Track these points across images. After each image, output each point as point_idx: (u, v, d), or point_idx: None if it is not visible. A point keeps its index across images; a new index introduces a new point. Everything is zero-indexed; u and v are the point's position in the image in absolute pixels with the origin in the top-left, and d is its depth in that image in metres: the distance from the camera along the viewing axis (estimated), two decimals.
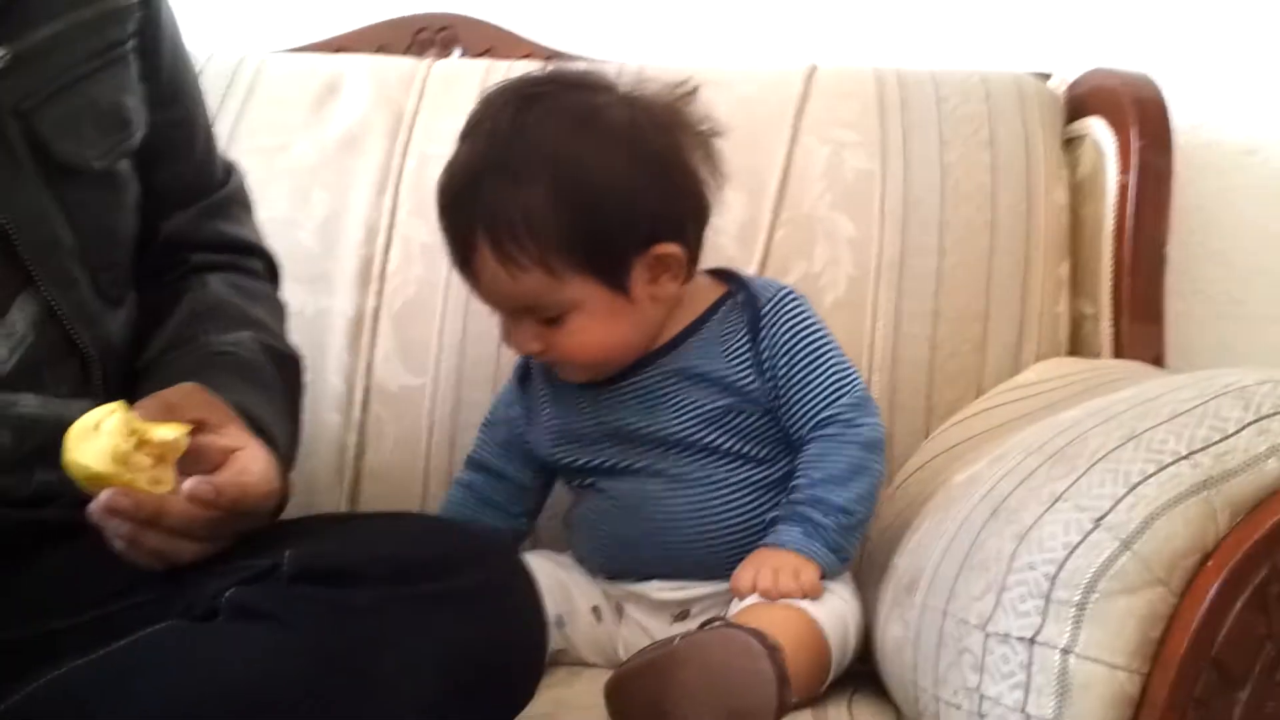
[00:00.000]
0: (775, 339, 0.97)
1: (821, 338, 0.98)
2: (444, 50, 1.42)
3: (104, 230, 0.86)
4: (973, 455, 0.95)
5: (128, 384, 0.85)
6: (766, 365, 0.96)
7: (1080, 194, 1.25)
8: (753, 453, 0.97)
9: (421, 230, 1.19)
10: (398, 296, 1.18)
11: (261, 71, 1.29)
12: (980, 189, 1.19)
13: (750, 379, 0.96)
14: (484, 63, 1.32)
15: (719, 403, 0.96)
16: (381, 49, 1.39)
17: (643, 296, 0.94)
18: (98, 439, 0.71)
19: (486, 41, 1.41)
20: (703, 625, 0.87)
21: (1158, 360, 1.17)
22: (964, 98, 1.24)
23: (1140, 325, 1.19)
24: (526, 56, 1.37)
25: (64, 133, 0.82)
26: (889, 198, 1.19)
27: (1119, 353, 1.18)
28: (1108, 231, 1.22)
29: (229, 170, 1.00)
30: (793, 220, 1.18)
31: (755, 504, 0.97)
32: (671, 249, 0.94)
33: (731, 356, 0.97)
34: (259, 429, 0.81)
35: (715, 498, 0.97)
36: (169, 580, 0.74)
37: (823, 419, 0.96)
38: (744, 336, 0.97)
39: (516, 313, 0.95)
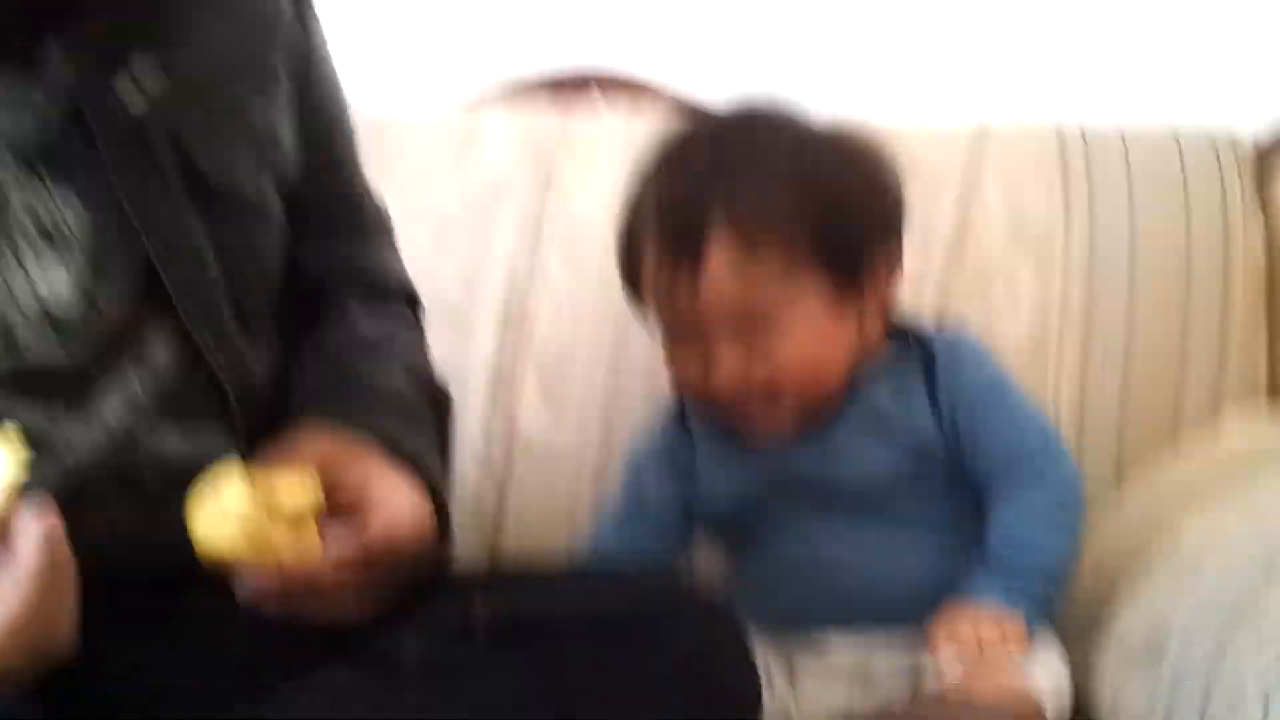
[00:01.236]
0: (954, 384, 0.89)
1: (1002, 381, 0.91)
2: (585, 104, 1.37)
3: (251, 261, 0.81)
4: (1198, 505, 0.84)
5: (272, 424, 0.79)
6: (945, 413, 0.88)
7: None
8: (935, 511, 0.89)
9: (566, 280, 1.13)
10: (540, 346, 1.11)
11: (398, 127, 1.25)
12: (1175, 250, 1.10)
13: (929, 427, 0.88)
14: (626, 118, 1.26)
15: (900, 453, 0.88)
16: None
17: (871, 298, 0.88)
18: (225, 518, 0.64)
19: (627, 95, 1.37)
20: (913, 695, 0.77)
21: None
22: (1154, 156, 1.15)
23: None
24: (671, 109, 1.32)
25: (219, 158, 0.77)
26: (1073, 249, 1.10)
27: None
28: None
29: (376, 206, 0.95)
30: (969, 271, 1.10)
31: (939, 564, 0.87)
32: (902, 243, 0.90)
33: (909, 403, 0.89)
34: (415, 465, 0.74)
35: (896, 561, 0.88)
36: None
37: (1012, 467, 0.87)
38: (919, 382, 0.89)
39: (726, 327, 0.85)
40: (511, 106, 1.33)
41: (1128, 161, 1.15)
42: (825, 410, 0.89)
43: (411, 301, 0.95)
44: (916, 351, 0.91)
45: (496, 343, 1.11)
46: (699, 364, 0.87)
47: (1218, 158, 1.16)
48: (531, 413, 1.08)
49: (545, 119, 1.26)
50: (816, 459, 0.89)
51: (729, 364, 0.85)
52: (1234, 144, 1.18)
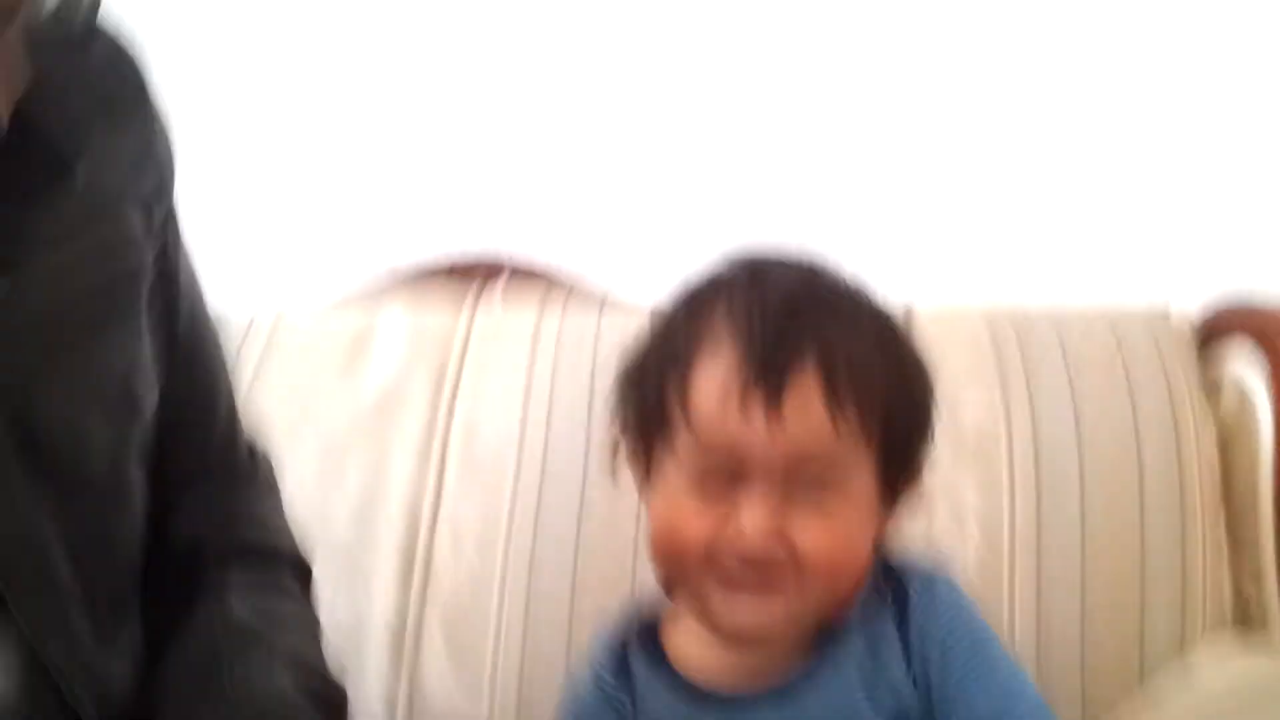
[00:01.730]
0: (929, 633, 0.78)
1: (984, 633, 0.80)
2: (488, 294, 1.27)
3: (105, 548, 0.68)
4: None
5: None
6: (918, 666, 0.78)
7: (1225, 441, 1.09)
8: None
9: (471, 511, 1.02)
10: (446, 596, 0.99)
11: (280, 326, 1.14)
12: (1125, 455, 1.03)
13: (904, 685, 0.77)
14: (533, 312, 1.16)
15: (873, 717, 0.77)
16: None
17: (890, 510, 0.79)
18: None
19: (535, 285, 1.27)
20: None
21: None
22: (1088, 338, 1.08)
23: None
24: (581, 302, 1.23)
25: (62, 422, 0.65)
26: (1018, 460, 1.02)
27: None
28: (1265, 485, 1.05)
29: (252, 452, 0.83)
30: None
31: None
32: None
33: (882, 654, 0.78)
34: None
35: None
36: None
37: None
38: (891, 626, 0.79)
39: (778, 472, 0.75)
40: (407, 297, 1.23)
41: (1063, 350, 1.08)
42: (816, 639, 0.79)
43: (301, 572, 0.82)
44: (887, 589, 0.81)
45: (396, 594, 0.99)
46: (717, 518, 0.76)
47: (1158, 344, 1.10)
48: (439, 680, 0.96)
49: (443, 314, 1.16)
50: (776, 717, 0.78)
51: (763, 516, 0.75)
52: (1169, 325, 1.12)
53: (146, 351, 0.71)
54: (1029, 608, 0.98)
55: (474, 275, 1.27)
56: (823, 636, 0.78)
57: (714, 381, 0.76)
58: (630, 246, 1.32)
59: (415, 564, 1.01)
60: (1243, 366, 1.09)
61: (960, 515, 1.00)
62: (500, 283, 1.26)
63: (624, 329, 1.08)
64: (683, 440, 0.77)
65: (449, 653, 0.97)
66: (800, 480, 0.75)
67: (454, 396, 1.09)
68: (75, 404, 0.66)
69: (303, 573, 0.82)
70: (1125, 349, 1.08)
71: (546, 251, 1.27)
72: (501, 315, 1.19)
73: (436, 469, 1.05)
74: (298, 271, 1.33)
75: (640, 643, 0.82)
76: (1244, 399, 1.09)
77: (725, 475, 0.75)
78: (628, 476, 0.81)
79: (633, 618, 0.84)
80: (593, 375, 1.07)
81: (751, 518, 0.74)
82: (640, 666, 0.82)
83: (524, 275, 1.24)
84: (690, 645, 0.81)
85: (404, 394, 1.09)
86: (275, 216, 1.40)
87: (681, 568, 0.77)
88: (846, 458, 0.76)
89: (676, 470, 0.77)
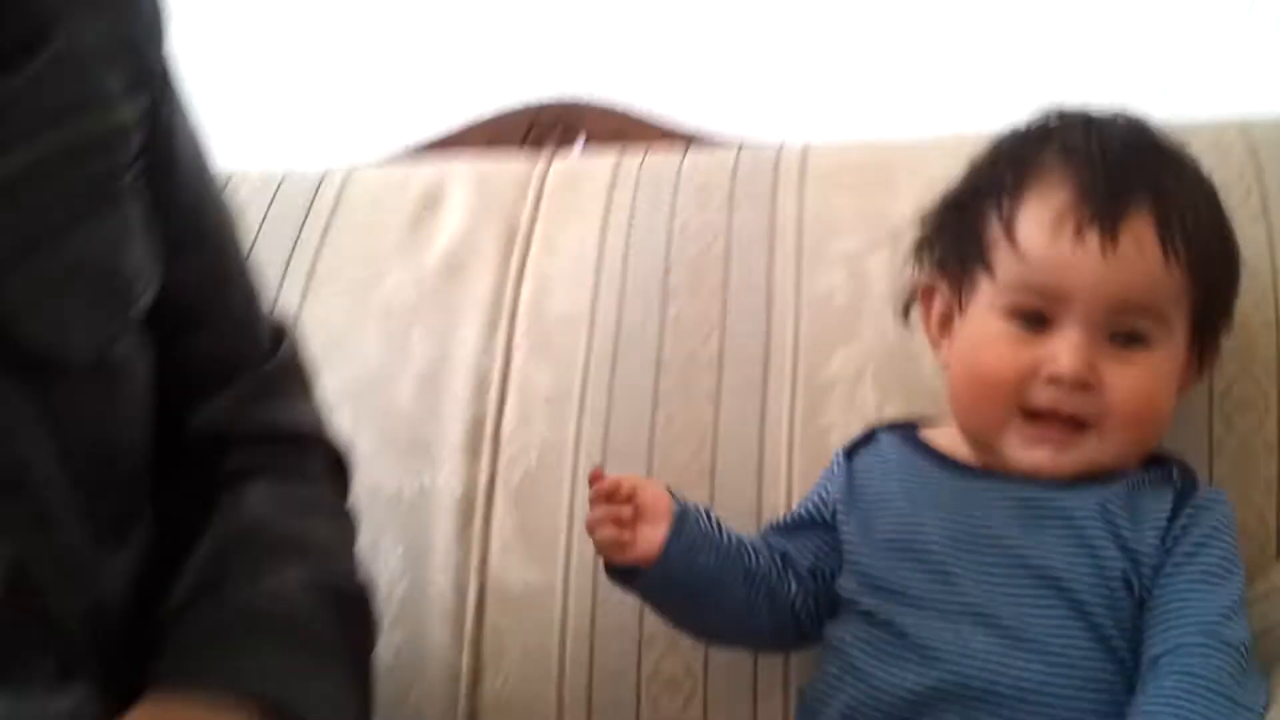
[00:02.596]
0: (1192, 530, 0.74)
1: (1235, 564, 0.74)
2: (565, 143, 1.18)
3: (99, 443, 0.63)
4: None
5: (131, 654, 0.62)
6: (1168, 542, 0.74)
7: None
8: (1116, 640, 0.72)
9: (545, 376, 0.95)
10: (516, 467, 0.92)
11: (346, 189, 1.07)
12: None
13: (1150, 551, 0.73)
14: (611, 156, 1.06)
15: (1112, 558, 0.73)
16: (491, 145, 1.17)
17: (1192, 371, 0.80)
18: None
19: (613, 128, 1.17)
20: None
21: None
22: None
23: None
24: (664, 139, 1.13)
25: (36, 311, 0.59)
26: None
27: None
28: None
29: (279, 335, 0.76)
30: None
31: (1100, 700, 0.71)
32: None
33: (1146, 519, 0.74)
34: None
35: (1060, 678, 0.71)
36: None
37: (1192, 645, 0.69)
38: (1165, 509, 0.75)
39: (1101, 311, 0.75)
40: (483, 146, 1.15)
41: None
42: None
43: (331, 457, 0.76)
44: (1180, 479, 0.77)
45: (464, 466, 0.93)
46: (1032, 354, 0.75)
47: None
48: (507, 555, 0.90)
49: (512, 166, 1.07)
50: (1018, 520, 0.75)
51: (1081, 354, 0.74)
52: None
53: (138, 235, 0.64)
54: None
55: (553, 122, 1.18)
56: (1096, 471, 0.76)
57: (1049, 211, 0.75)
58: (717, 84, 1.19)
59: (484, 434, 0.94)
60: None
61: None
62: (578, 127, 1.17)
63: (709, 167, 1.01)
64: (1005, 269, 0.76)
65: (520, 525, 0.91)
66: (1118, 329, 0.75)
67: (525, 252, 1.01)
68: (51, 293, 0.59)
69: (333, 459, 0.76)
70: None
71: (630, 94, 1.16)
72: (578, 161, 1.10)
73: (506, 331, 0.97)
74: (374, 124, 1.25)
75: (895, 432, 0.84)
76: None
77: (1039, 317, 0.75)
78: None
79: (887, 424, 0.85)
80: (672, 216, 0.98)
81: (1069, 349, 0.74)
82: (892, 444, 0.83)
83: (603, 116, 1.15)
84: (952, 444, 0.81)
85: (474, 252, 1.01)
86: (347, 66, 1.33)
87: (990, 402, 0.77)
88: (1167, 308, 0.76)
89: (989, 306, 0.77)
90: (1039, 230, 0.75)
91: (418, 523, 0.91)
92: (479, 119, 1.19)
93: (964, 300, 0.79)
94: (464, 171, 1.08)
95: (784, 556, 0.80)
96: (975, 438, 0.79)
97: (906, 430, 0.84)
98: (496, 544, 0.90)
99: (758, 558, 0.79)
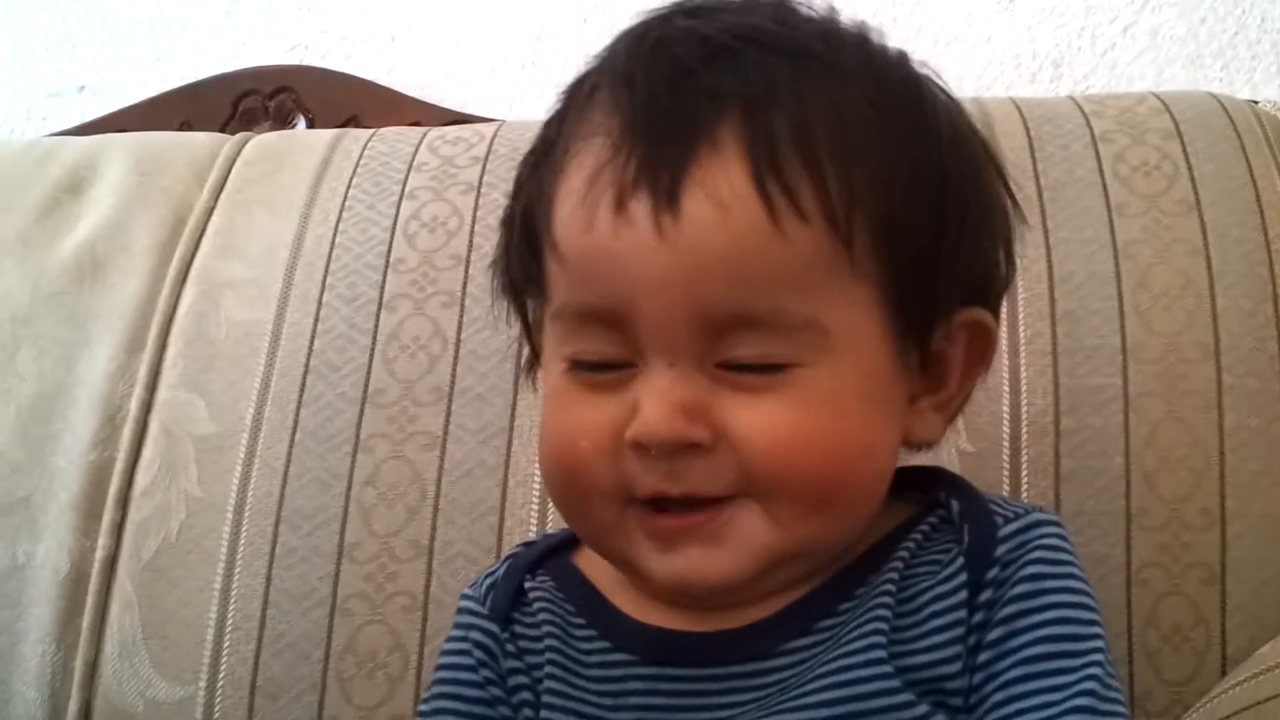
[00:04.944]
0: (1006, 609, 0.49)
1: (1080, 613, 0.50)
2: (281, 121, 0.95)
3: None
4: None
5: None
6: (978, 648, 0.49)
7: None
8: None
9: (201, 410, 0.72)
10: (150, 536, 0.69)
11: None
12: None
13: (955, 672, 0.49)
14: (328, 133, 0.85)
15: (906, 705, 0.48)
16: (185, 126, 0.94)
17: (945, 369, 0.52)
18: None
19: (343, 103, 0.95)
20: None
21: None
22: None
23: None
24: (415, 123, 0.91)
25: None
26: None
27: None
28: None
29: None
30: None
31: None
32: (989, 321, 0.53)
33: (933, 620, 0.49)
34: None
35: None
36: None
37: None
38: (956, 594, 0.50)
39: (690, 319, 0.47)
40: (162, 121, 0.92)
41: None
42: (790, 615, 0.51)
43: None
44: (964, 521, 0.51)
45: (74, 534, 0.69)
46: (604, 414, 0.49)
47: None
48: (129, 660, 0.66)
49: (192, 142, 0.85)
50: (758, 708, 0.49)
51: (667, 400, 0.47)
52: None
53: None
54: None
55: (263, 96, 0.96)
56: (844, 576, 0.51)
57: (580, 179, 0.48)
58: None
59: (108, 492, 0.71)
60: None
61: None
62: (300, 102, 0.95)
63: (452, 148, 0.79)
64: (554, 286, 0.50)
65: (149, 619, 0.68)
66: (725, 356, 0.48)
67: (191, 251, 0.78)
68: None
69: None
70: None
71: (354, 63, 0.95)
72: (282, 138, 0.87)
73: (154, 352, 0.74)
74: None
75: (550, 569, 0.55)
76: None
77: (614, 358, 0.49)
78: None
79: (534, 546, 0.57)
80: (398, 204, 0.77)
81: (648, 395, 0.47)
82: (550, 598, 0.54)
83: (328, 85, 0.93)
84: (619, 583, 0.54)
85: (120, 249, 0.79)
86: None
87: (581, 499, 0.50)
88: (802, 299, 0.48)
89: (554, 349, 0.51)
90: (571, 211, 0.49)
91: (3, 612, 0.68)
92: (162, 93, 0.95)
93: (536, 345, 0.54)
94: (127, 146, 0.85)
95: None
96: (604, 556, 0.52)
97: (559, 559, 0.56)
98: (112, 645, 0.68)
99: None
